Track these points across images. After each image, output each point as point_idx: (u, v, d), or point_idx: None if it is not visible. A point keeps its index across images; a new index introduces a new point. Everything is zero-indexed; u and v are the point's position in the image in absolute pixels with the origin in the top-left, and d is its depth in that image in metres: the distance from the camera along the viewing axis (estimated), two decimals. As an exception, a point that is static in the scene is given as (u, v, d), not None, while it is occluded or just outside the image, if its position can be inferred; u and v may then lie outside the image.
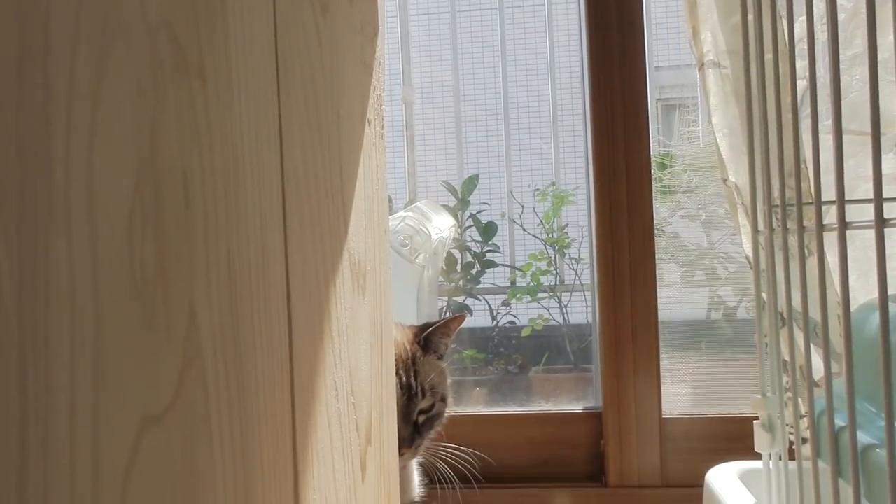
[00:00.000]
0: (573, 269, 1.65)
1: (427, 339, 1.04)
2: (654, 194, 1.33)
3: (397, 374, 0.97)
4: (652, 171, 1.34)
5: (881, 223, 0.64)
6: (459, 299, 1.67)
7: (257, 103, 0.49)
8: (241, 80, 0.46)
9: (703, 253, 1.53)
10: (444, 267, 1.58)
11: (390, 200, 1.60)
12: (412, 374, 1.00)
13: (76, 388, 0.30)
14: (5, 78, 0.27)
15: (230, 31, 0.45)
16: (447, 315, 1.63)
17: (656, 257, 1.33)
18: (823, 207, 0.74)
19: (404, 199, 1.65)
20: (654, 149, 1.36)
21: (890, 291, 0.67)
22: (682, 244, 1.53)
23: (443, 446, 1.05)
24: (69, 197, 0.30)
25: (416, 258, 1.27)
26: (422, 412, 1.01)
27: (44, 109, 0.29)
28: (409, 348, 1.02)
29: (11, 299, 0.28)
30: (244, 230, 0.46)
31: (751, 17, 0.90)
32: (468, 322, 1.62)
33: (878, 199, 0.64)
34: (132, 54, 0.35)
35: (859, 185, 1.16)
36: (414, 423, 1.00)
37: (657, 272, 1.34)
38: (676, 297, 1.50)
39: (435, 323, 1.04)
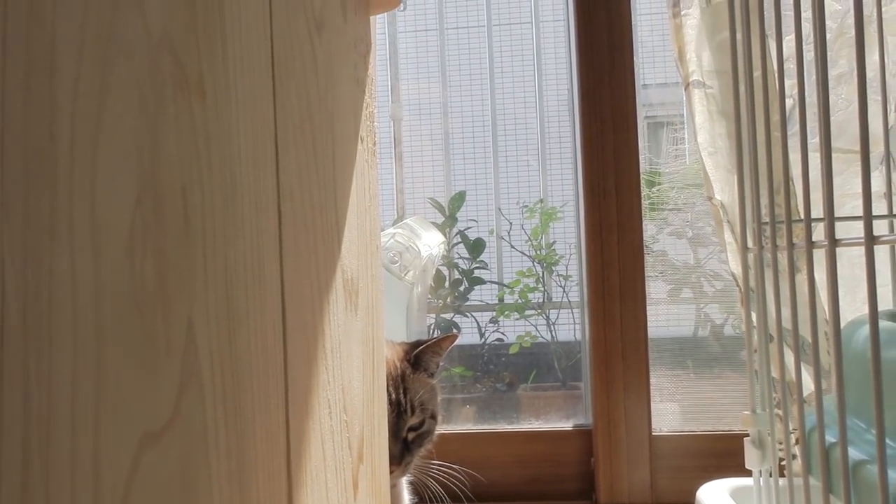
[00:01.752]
0: (561, 286, 1.66)
1: (418, 356, 1.04)
2: (642, 212, 1.34)
3: (387, 391, 0.97)
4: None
5: (871, 240, 0.65)
6: (447, 316, 1.67)
7: (255, 120, 0.49)
8: (240, 97, 0.46)
9: (691, 270, 1.54)
10: (433, 284, 1.58)
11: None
12: (401, 391, 0.99)
13: (77, 403, 0.30)
14: (13, 95, 0.27)
15: (228, 49, 0.45)
16: (436, 332, 1.63)
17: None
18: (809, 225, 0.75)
19: (393, 215, 1.65)
20: (643, 166, 1.37)
21: (879, 308, 0.67)
22: (670, 261, 1.54)
23: (433, 464, 1.04)
24: (72, 212, 0.30)
25: (405, 275, 1.27)
26: (411, 429, 1.00)
27: (49, 125, 0.29)
28: (398, 365, 1.02)
29: (16, 313, 0.27)
30: (241, 246, 0.46)
31: (739, 35, 0.91)
32: (457, 340, 1.61)
33: (868, 217, 0.65)
34: (134, 71, 0.35)
35: (846, 202, 1.17)
36: (403, 441, 0.99)
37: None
38: (664, 315, 1.51)
39: (426, 341, 1.04)
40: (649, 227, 1.48)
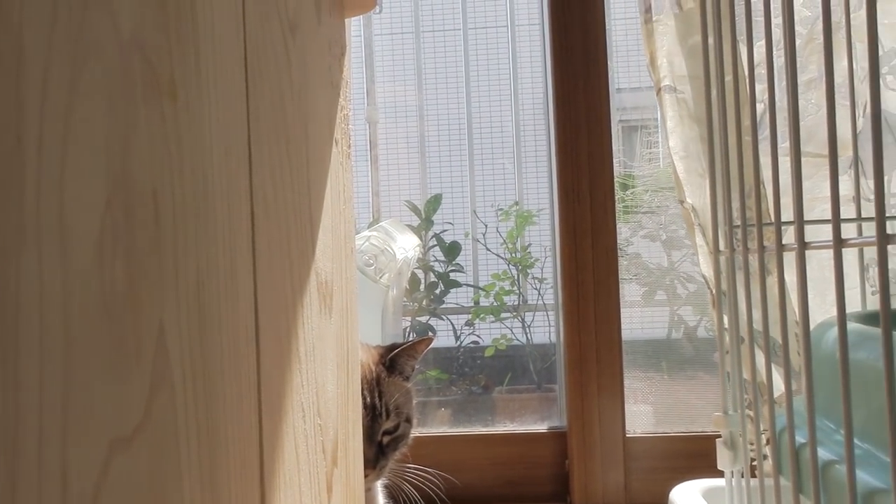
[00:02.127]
0: (536, 289, 1.66)
1: (393, 360, 1.03)
2: (616, 215, 1.35)
3: (361, 394, 0.97)
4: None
5: (839, 243, 0.66)
6: (423, 319, 1.67)
7: (227, 123, 0.48)
8: (212, 100, 0.46)
9: (664, 273, 1.55)
10: (408, 287, 1.58)
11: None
12: (376, 395, 0.99)
13: (45, 410, 0.30)
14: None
15: (201, 50, 0.45)
16: (411, 335, 1.63)
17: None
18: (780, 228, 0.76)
19: (368, 218, 1.65)
20: (617, 169, 1.39)
21: (847, 310, 0.68)
22: (644, 264, 1.55)
23: (408, 467, 1.04)
24: (40, 215, 0.30)
25: (380, 278, 1.27)
26: (386, 433, 1.00)
27: (16, 127, 0.29)
28: (373, 368, 1.01)
29: (-18, 320, 0.27)
30: (213, 250, 0.46)
31: (711, 40, 0.92)
32: (432, 342, 1.61)
33: (836, 220, 0.66)
34: (104, 73, 0.34)
35: (815, 205, 1.19)
36: (378, 444, 0.99)
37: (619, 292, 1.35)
38: (638, 317, 1.52)
39: (402, 344, 1.04)
40: (623, 230, 1.49)
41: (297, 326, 0.60)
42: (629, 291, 1.51)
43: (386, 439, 1.00)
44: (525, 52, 1.69)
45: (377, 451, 0.98)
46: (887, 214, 1.21)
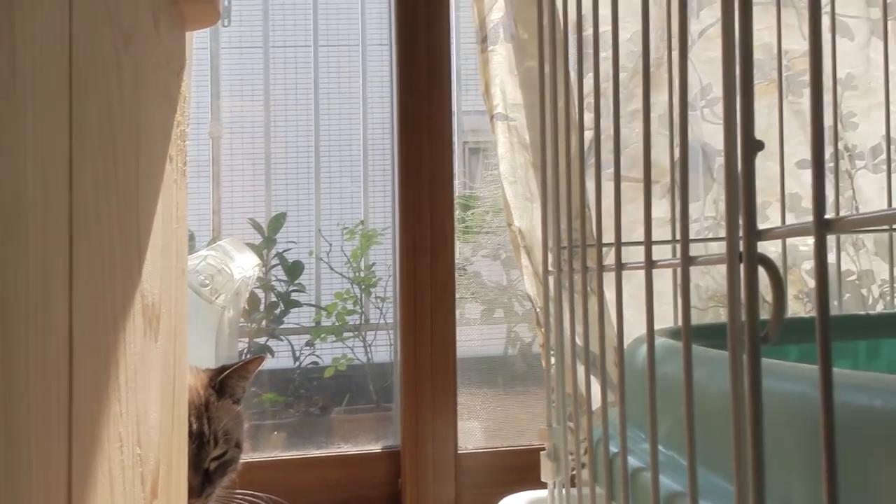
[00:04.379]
0: (378, 308, 1.67)
1: (223, 382, 1.00)
2: (457, 234, 1.39)
3: (188, 421, 0.94)
4: (455, 211, 1.40)
5: (650, 264, 0.70)
6: (261, 340, 1.63)
7: (46, 136, 0.46)
8: (29, 111, 0.44)
9: (503, 291, 1.60)
10: (247, 307, 1.54)
11: (192, 238, 1.55)
12: (205, 421, 0.96)
13: None
14: None
15: (18, 61, 0.43)
16: (248, 357, 1.59)
17: (458, 295, 1.38)
18: (604, 249, 0.81)
19: (208, 236, 1.60)
20: (459, 190, 1.42)
21: (659, 326, 0.73)
22: (483, 282, 1.59)
23: (236, 493, 1.01)
24: None
25: (216, 299, 1.24)
26: (214, 459, 0.97)
27: None
28: (202, 393, 0.98)
29: None
30: (23, 271, 0.44)
31: (547, 68, 0.97)
32: (269, 364, 1.58)
33: (648, 242, 0.71)
34: None
35: (638, 227, 1.27)
36: (205, 471, 0.95)
37: (459, 310, 1.39)
38: (476, 334, 1.56)
39: (232, 365, 1.01)
40: (465, 250, 1.53)
41: (117, 352, 0.58)
42: (469, 310, 1.55)
43: (213, 465, 0.97)
44: (376, 72, 1.70)
45: (203, 479, 0.95)
46: (700, 236, 1.32)
